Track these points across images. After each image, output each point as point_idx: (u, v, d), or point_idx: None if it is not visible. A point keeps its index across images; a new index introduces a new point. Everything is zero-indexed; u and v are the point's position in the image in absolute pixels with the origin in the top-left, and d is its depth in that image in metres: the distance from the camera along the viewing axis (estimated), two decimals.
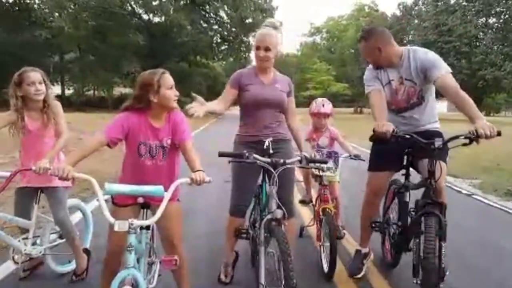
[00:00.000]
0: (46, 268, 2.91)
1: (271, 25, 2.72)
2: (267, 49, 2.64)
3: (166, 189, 1.89)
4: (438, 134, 2.78)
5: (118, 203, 2.17)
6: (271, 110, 2.75)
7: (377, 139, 2.90)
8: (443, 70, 2.61)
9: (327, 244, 2.98)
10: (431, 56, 2.72)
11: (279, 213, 2.22)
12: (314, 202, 3.65)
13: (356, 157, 3.47)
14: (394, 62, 2.77)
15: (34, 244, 2.67)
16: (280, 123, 2.82)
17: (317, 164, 2.70)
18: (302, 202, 3.98)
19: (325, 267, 2.97)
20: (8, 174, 2.49)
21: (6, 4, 33.96)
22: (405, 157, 2.87)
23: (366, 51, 2.80)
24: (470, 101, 2.45)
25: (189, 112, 2.26)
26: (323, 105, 3.69)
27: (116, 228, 1.73)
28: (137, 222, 1.78)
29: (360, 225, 3.20)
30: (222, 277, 2.94)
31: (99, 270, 2.30)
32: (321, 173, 3.29)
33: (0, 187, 2.37)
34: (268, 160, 2.35)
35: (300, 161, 2.41)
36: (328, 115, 3.72)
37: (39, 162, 2.39)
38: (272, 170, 2.29)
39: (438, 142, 2.35)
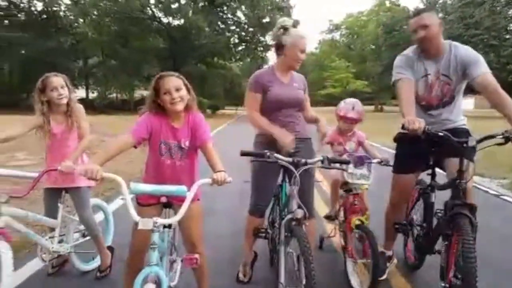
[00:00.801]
0: (72, 265, 3.01)
1: (293, 25, 2.72)
2: (305, 51, 2.73)
3: (187, 189, 1.92)
4: (466, 132, 2.70)
5: (141, 202, 2.23)
6: (291, 109, 2.77)
7: (402, 139, 2.83)
8: (484, 68, 2.55)
9: (364, 261, 2.74)
10: (473, 53, 2.64)
11: (300, 213, 2.20)
12: (338, 212, 3.37)
13: (386, 162, 3.12)
14: (437, 53, 2.63)
15: (60, 242, 2.78)
16: (299, 122, 2.83)
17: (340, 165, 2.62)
18: (328, 218, 3.63)
19: (356, 286, 2.77)
20: (35, 175, 2.59)
21: (35, 12, 35.15)
22: (431, 156, 2.77)
23: (422, 23, 2.56)
24: (509, 100, 2.39)
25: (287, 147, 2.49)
26: (352, 108, 3.29)
27: (140, 226, 1.78)
28: (161, 221, 1.82)
29: (384, 228, 3.13)
30: (241, 276, 2.96)
31: (122, 267, 2.36)
32: (355, 181, 2.95)
33: (28, 187, 2.47)
34: (290, 159, 2.33)
35: (322, 161, 2.37)
36: (357, 121, 3.34)
37: (64, 163, 2.52)
38: (294, 170, 2.28)
39: (471, 141, 2.25)
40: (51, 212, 2.77)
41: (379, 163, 3.11)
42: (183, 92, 2.14)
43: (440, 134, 2.33)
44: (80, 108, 2.83)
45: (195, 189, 1.93)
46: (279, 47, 2.73)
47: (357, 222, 2.80)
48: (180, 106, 2.13)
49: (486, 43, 34.75)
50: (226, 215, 4.62)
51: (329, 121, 2.87)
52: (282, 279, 2.18)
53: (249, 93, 2.76)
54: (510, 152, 2.42)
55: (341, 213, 3.29)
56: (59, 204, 2.77)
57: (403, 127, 2.35)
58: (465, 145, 2.26)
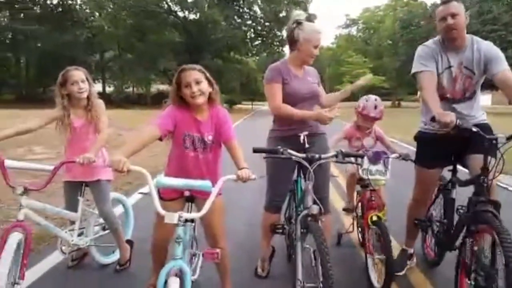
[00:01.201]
0: (92, 258, 3.05)
1: (307, 19, 2.69)
2: (319, 46, 2.70)
3: (212, 184, 1.92)
4: (488, 127, 2.64)
5: (164, 197, 2.23)
6: (306, 104, 2.74)
7: (422, 138, 2.85)
8: (505, 65, 2.51)
9: (380, 257, 2.70)
10: (494, 48, 2.60)
11: (315, 209, 2.19)
12: (356, 208, 3.41)
13: (406, 157, 3.01)
14: (460, 45, 2.60)
15: (80, 235, 2.81)
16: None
17: (355, 159, 2.64)
18: (346, 210, 3.69)
19: (375, 283, 2.74)
20: (52, 167, 2.60)
21: (51, 5, 35.62)
22: (453, 152, 2.74)
23: (451, 11, 2.53)
24: None
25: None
26: (375, 107, 3.29)
27: (166, 220, 1.79)
28: (186, 215, 1.83)
29: (406, 225, 3.10)
30: (260, 271, 2.97)
31: (141, 261, 2.38)
32: (370, 177, 2.90)
33: (47, 180, 2.49)
34: (304, 155, 2.33)
35: (336, 156, 2.35)
36: (377, 119, 3.36)
37: (83, 155, 2.50)
38: (308, 166, 2.27)
39: (501, 138, 2.20)
40: (71, 205, 2.80)
41: (399, 158, 3.02)
42: (204, 85, 2.14)
43: (473, 129, 2.27)
44: (100, 103, 2.84)
45: (220, 185, 1.93)
46: (293, 42, 2.69)
47: (374, 218, 2.78)
48: (200, 100, 2.13)
49: (504, 39, 33.89)
50: (244, 210, 4.63)
51: (346, 117, 2.83)
52: (299, 275, 2.16)
53: (270, 85, 2.70)
54: None
55: (359, 209, 3.28)
56: (79, 198, 2.80)
57: (433, 120, 2.30)
58: (494, 141, 2.20)
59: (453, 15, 2.53)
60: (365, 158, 2.83)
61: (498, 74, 2.49)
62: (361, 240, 3.46)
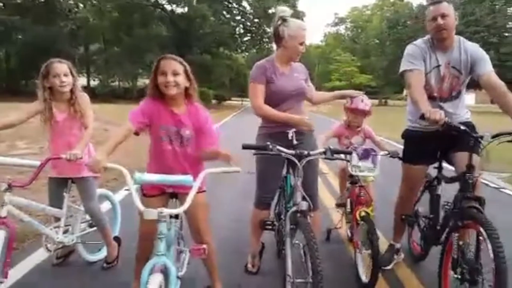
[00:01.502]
0: (78, 256, 3.00)
1: (293, 15, 2.70)
2: (304, 43, 2.69)
3: (193, 178, 1.91)
4: (472, 125, 2.70)
5: (147, 193, 2.22)
6: (294, 101, 2.75)
7: (409, 137, 2.90)
8: (489, 67, 2.59)
9: (368, 252, 2.72)
10: (480, 50, 2.67)
11: (304, 205, 2.21)
12: (345, 204, 3.46)
13: (395, 155, 3.05)
14: (448, 45, 2.66)
15: (65, 232, 2.75)
16: (302, 114, 2.80)
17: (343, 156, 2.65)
18: (339, 205, 3.65)
19: (363, 277, 2.77)
20: (38, 163, 2.54)
21: None
22: (439, 149, 2.80)
23: (441, 12, 2.57)
24: None
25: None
26: (362, 100, 3.30)
27: (145, 217, 1.77)
28: (166, 211, 1.81)
29: (393, 221, 3.15)
30: (250, 267, 2.98)
31: (129, 258, 2.36)
32: (359, 173, 2.97)
33: (31, 176, 2.43)
34: (293, 151, 2.34)
35: (325, 152, 2.36)
36: (366, 113, 3.36)
37: (70, 152, 2.43)
38: (297, 162, 2.28)
39: (486, 137, 2.27)
40: (56, 202, 2.74)
41: (387, 155, 3.07)
42: (181, 78, 2.11)
43: (461, 127, 2.32)
44: (84, 96, 2.77)
45: (201, 179, 1.92)
46: (278, 39, 2.68)
47: (363, 214, 2.83)
48: (172, 91, 2.09)
49: (486, 41, 34.69)
50: (232, 206, 4.63)
51: (333, 113, 2.84)
52: (289, 271, 2.18)
53: (253, 84, 2.71)
54: (509, 146, 2.42)
55: (348, 205, 3.34)
56: (64, 194, 2.74)
57: (422, 117, 2.33)
58: (480, 139, 2.27)
59: (443, 16, 2.57)
60: (354, 154, 2.87)
61: (484, 76, 2.57)
62: (349, 235, 3.51)
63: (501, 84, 2.52)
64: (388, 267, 3.03)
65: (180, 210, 1.88)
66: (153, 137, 2.21)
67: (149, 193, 2.21)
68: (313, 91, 3.01)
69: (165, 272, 1.81)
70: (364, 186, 3.06)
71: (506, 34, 36.65)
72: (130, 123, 2.11)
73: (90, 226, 2.98)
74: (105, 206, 3.45)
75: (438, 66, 2.67)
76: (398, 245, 3.17)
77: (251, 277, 2.92)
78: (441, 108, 2.68)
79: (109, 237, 2.95)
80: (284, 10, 2.70)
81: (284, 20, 2.63)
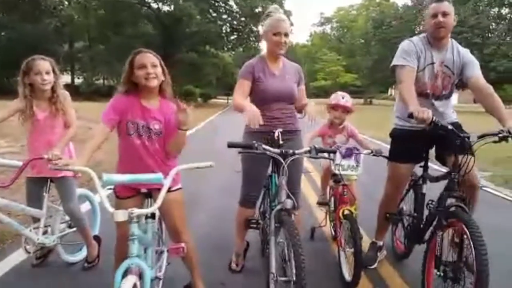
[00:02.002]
0: (57, 256, 2.94)
1: (277, 11, 2.70)
2: (286, 34, 2.62)
3: (164, 174, 1.87)
4: (459, 125, 2.75)
5: (120, 195, 2.17)
6: (282, 103, 2.73)
7: (397, 136, 2.92)
8: (478, 70, 2.65)
9: (351, 251, 2.71)
10: (471, 54, 2.74)
11: (289, 203, 2.21)
12: (329, 203, 3.51)
13: (378, 153, 3.11)
14: (443, 45, 2.70)
15: (45, 233, 2.68)
16: (291, 114, 2.80)
17: (328, 155, 2.66)
18: (320, 204, 3.68)
19: (347, 275, 2.78)
20: (19, 163, 2.49)
21: None
22: (425, 148, 2.84)
23: (443, 10, 2.59)
24: (501, 103, 2.51)
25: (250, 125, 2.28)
26: (342, 97, 3.37)
27: (115, 218, 1.71)
28: (137, 211, 1.75)
29: (377, 218, 3.17)
30: (233, 265, 2.97)
31: (110, 257, 2.32)
32: (342, 172, 2.98)
33: (13, 177, 2.36)
34: (278, 150, 2.34)
35: (310, 151, 2.36)
36: (348, 110, 3.39)
37: (51, 151, 2.34)
38: (282, 161, 2.28)
39: (473, 137, 2.32)
40: (34, 202, 2.66)
41: (371, 154, 3.10)
42: (159, 70, 2.12)
43: (449, 127, 2.35)
44: (65, 94, 2.71)
45: (172, 176, 1.88)
46: (262, 35, 2.71)
47: (346, 212, 2.84)
48: (154, 83, 2.09)
49: (470, 41, 35.30)
50: (214, 204, 4.60)
51: (319, 113, 2.81)
52: (273, 269, 2.17)
53: (239, 80, 2.71)
54: (491, 146, 2.47)
55: (332, 203, 3.34)
56: (44, 194, 2.67)
57: (410, 116, 2.34)
58: (467, 140, 2.30)
59: (444, 14, 2.60)
60: (338, 153, 2.88)
61: (472, 78, 2.64)
62: (333, 234, 3.51)
63: (488, 86, 2.58)
64: (373, 266, 3.05)
65: (151, 209, 1.84)
66: (122, 132, 2.16)
67: (123, 194, 2.16)
68: (302, 96, 2.87)
69: (139, 274, 1.76)
70: (348, 184, 3.06)
71: (490, 35, 37.41)
72: (103, 123, 2.09)
73: (69, 226, 2.92)
74: (84, 206, 3.38)
75: (433, 63, 2.70)
76: (380, 243, 3.19)
77: (235, 275, 2.91)
78: (433, 105, 2.72)
79: (89, 237, 2.89)
80: (274, 9, 2.70)
81: (268, 16, 2.65)
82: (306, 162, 2.99)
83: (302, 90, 2.84)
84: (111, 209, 1.74)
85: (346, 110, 3.37)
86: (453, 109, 2.93)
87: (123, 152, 2.20)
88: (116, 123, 2.12)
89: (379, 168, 3.13)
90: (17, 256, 2.98)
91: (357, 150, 3.03)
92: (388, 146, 3.05)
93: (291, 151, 2.32)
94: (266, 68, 2.70)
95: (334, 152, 2.72)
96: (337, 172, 2.97)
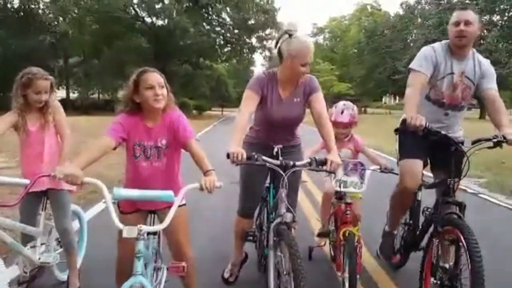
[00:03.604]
0: (45, 273, 2.78)
1: (297, 29, 2.44)
2: (309, 63, 2.44)
3: (172, 190, 1.85)
4: (461, 142, 2.69)
5: (124, 210, 2.15)
6: (286, 126, 2.68)
7: (404, 131, 2.73)
8: (494, 84, 2.64)
9: (347, 276, 2.47)
10: (491, 67, 2.71)
11: (289, 217, 2.17)
12: (328, 221, 3.17)
13: (388, 170, 2.84)
14: (464, 55, 2.63)
15: (42, 251, 2.58)
16: (292, 132, 2.75)
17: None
18: (321, 235, 3.27)
19: None
20: (22, 181, 2.39)
21: (12, 9, 34.24)
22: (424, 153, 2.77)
23: (467, 18, 2.53)
24: (506, 113, 2.52)
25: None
26: (341, 112, 3.02)
27: (125, 234, 1.70)
28: (146, 228, 1.74)
29: (390, 209, 2.99)
30: (226, 275, 2.94)
31: (95, 280, 2.22)
32: (344, 189, 2.73)
33: (20, 196, 2.26)
34: (278, 162, 2.29)
35: (310, 164, 2.29)
36: (348, 126, 3.05)
37: (58, 168, 2.31)
38: (282, 173, 2.24)
39: (467, 143, 2.34)
40: (28, 218, 2.55)
41: (379, 170, 2.83)
42: (165, 91, 2.08)
43: (442, 132, 2.37)
44: (57, 106, 2.62)
45: (182, 195, 1.86)
46: (279, 55, 2.47)
47: (347, 234, 2.61)
48: (161, 104, 2.05)
49: None
50: (212, 215, 4.60)
51: (311, 123, 2.72)
52: (271, 283, 2.15)
53: (246, 91, 2.53)
54: (485, 153, 2.50)
55: (332, 222, 3.10)
56: (40, 212, 2.58)
57: (404, 123, 2.37)
58: (461, 145, 2.33)
59: (467, 23, 2.54)
60: (340, 169, 2.60)
61: (488, 90, 2.62)
62: (332, 255, 3.26)
63: (499, 101, 2.58)
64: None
65: (160, 227, 1.81)
66: (128, 153, 2.14)
67: (126, 209, 2.14)
68: (316, 102, 2.57)
69: None
70: (351, 203, 2.77)
71: (482, 42, 37.83)
72: (109, 137, 2.00)
73: (59, 244, 2.77)
74: (74, 224, 3.29)
75: (452, 73, 2.64)
76: (395, 232, 3.07)
77: (228, 286, 2.87)
78: (446, 115, 2.69)
79: (74, 262, 2.72)
80: (292, 25, 2.42)
81: (289, 35, 2.38)
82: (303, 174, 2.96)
83: (316, 98, 2.58)
84: (120, 225, 1.71)
85: (347, 125, 3.07)
86: (461, 126, 2.86)
87: (130, 172, 2.17)
88: (123, 141, 2.07)
89: (382, 182, 3.03)
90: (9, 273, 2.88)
91: (362, 165, 2.78)
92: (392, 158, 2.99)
93: (291, 162, 2.28)
94: (275, 90, 2.54)
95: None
96: (338, 189, 2.75)
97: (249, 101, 2.49)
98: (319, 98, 2.57)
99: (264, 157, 2.27)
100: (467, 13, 2.56)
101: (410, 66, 2.67)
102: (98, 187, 1.79)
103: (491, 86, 2.63)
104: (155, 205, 2.11)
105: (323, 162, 2.30)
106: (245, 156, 2.19)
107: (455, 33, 2.56)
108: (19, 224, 2.41)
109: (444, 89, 2.66)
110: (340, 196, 2.86)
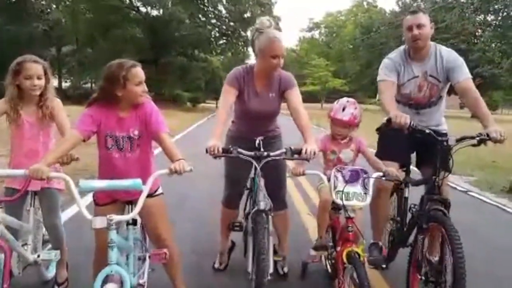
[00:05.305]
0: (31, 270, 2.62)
1: (271, 25, 2.52)
2: (282, 56, 2.53)
3: (142, 182, 1.84)
4: (445, 134, 2.77)
5: (99, 202, 2.14)
6: (263, 119, 2.77)
7: (386, 130, 2.71)
8: (466, 73, 2.67)
9: None
10: (456, 56, 2.74)
11: (262, 205, 2.28)
12: (325, 232, 2.74)
13: (392, 177, 2.47)
14: (424, 55, 2.73)
15: (35, 249, 2.50)
16: (271, 124, 2.84)
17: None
18: (318, 248, 2.75)
19: None
20: (22, 171, 2.24)
21: None
22: (407, 152, 2.86)
23: (418, 22, 2.63)
24: (486, 107, 2.55)
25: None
26: (343, 109, 2.69)
27: (94, 225, 1.70)
28: (116, 218, 1.73)
29: (372, 221, 3.02)
30: (217, 264, 3.04)
31: (79, 275, 2.23)
32: (345, 203, 2.25)
33: (14, 198, 2.23)
34: (251, 153, 2.37)
35: (285, 153, 2.34)
36: (346, 125, 2.68)
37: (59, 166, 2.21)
38: (255, 163, 2.34)
39: (451, 140, 2.34)
40: (15, 216, 2.35)
41: (382, 177, 2.42)
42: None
43: (426, 131, 2.39)
44: (56, 101, 2.48)
45: (151, 182, 1.85)
46: (254, 50, 2.63)
47: (352, 255, 2.19)
48: (143, 100, 2.08)
49: (455, 47, 35.68)
50: (198, 206, 4.60)
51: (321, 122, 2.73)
52: (249, 268, 2.26)
53: (225, 87, 2.64)
54: (475, 151, 2.51)
55: (329, 236, 2.75)
56: (30, 208, 2.47)
57: (389, 121, 2.39)
58: (445, 143, 2.33)
59: (419, 26, 2.64)
60: (340, 177, 2.29)
61: (460, 83, 2.65)
62: (330, 271, 2.85)
63: (474, 91, 2.61)
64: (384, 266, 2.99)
65: (130, 215, 1.83)
66: (100, 145, 2.11)
67: (102, 201, 2.13)
68: (293, 98, 2.61)
69: (119, 281, 1.74)
70: (353, 218, 2.29)
71: (476, 41, 38.08)
72: (76, 131, 2.00)
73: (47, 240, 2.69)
74: None
75: (415, 76, 2.74)
76: (380, 243, 3.09)
77: (220, 278, 2.91)
78: (419, 114, 2.80)
79: (64, 257, 2.62)
80: (261, 20, 2.54)
81: (260, 32, 2.51)
82: (288, 162, 2.81)
83: (292, 93, 2.61)
84: (89, 216, 1.71)
85: (348, 125, 2.72)
86: (443, 118, 2.93)
87: (102, 163, 2.15)
88: (93, 134, 2.05)
89: None
90: None
91: (366, 172, 2.34)
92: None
93: (265, 153, 2.37)
94: (251, 84, 2.66)
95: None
96: (338, 201, 2.27)
97: (227, 95, 2.60)
98: (294, 94, 2.64)
99: (239, 149, 2.35)
100: (418, 17, 2.67)
101: (377, 79, 2.82)
102: (65, 181, 1.79)
103: (461, 78, 2.64)
104: (131, 195, 2.07)
105: (299, 151, 2.27)
106: (221, 149, 2.30)
107: (410, 37, 2.67)
108: (16, 221, 2.30)
109: (410, 93, 2.79)
110: (337, 206, 2.48)
